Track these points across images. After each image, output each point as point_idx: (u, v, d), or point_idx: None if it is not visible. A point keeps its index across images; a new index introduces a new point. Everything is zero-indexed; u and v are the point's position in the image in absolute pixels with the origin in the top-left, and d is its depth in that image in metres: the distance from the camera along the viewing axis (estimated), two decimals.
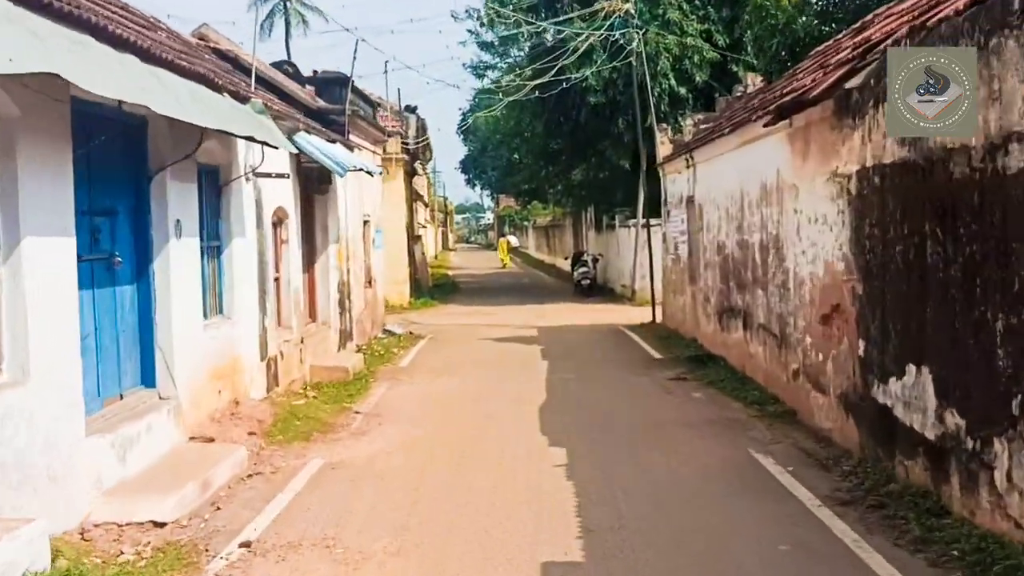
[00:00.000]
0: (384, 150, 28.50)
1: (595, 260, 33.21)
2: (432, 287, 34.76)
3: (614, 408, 11.77)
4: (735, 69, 27.49)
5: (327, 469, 8.81)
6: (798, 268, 10.54)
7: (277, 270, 12.95)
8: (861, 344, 8.53)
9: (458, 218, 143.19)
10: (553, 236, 53.75)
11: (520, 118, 34.29)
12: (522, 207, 79.02)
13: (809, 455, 9.01)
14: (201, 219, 9.90)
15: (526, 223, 74.46)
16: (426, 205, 54.67)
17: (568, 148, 31.65)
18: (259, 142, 10.52)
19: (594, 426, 10.60)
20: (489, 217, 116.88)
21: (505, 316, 25.70)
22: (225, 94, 10.11)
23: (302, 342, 13.57)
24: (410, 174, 33.53)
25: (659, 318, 22.07)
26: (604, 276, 33.88)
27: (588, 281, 31.86)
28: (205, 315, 9.91)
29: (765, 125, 10.77)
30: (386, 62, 43.38)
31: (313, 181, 15.31)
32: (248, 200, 11.24)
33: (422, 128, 42.15)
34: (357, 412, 11.63)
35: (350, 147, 17.01)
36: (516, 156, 47.93)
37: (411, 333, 21.02)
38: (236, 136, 9.90)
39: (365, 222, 19.30)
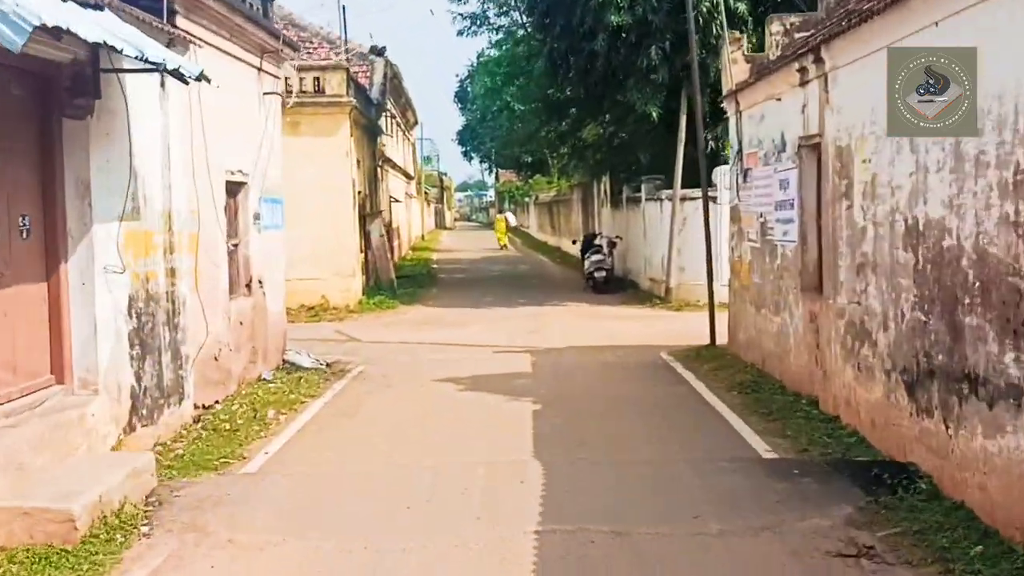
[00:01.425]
0: (319, 88, 20.43)
1: (612, 245, 25.15)
2: (400, 278, 26.71)
3: None
4: None
5: None
6: None
7: None
8: None
9: (460, 195, 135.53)
10: (557, 214, 45.47)
11: (518, 61, 25.97)
12: (523, 182, 71.07)
13: None
14: None
15: (527, 199, 66.29)
16: (409, 177, 46.51)
17: (577, 95, 23.48)
18: None
19: None
20: (492, 195, 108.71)
21: (487, 328, 17.67)
22: None
23: None
24: (368, 130, 25.41)
25: (719, 336, 14.09)
26: (623, 265, 25.85)
27: (604, 274, 23.77)
28: None
29: None
30: None
31: (52, 88, 7.25)
32: None
33: (394, 77, 33.96)
34: None
35: (176, 43, 8.86)
36: (513, 111, 39.54)
37: (327, 367, 13.01)
38: None
39: (235, 184, 11.20)
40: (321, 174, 20.51)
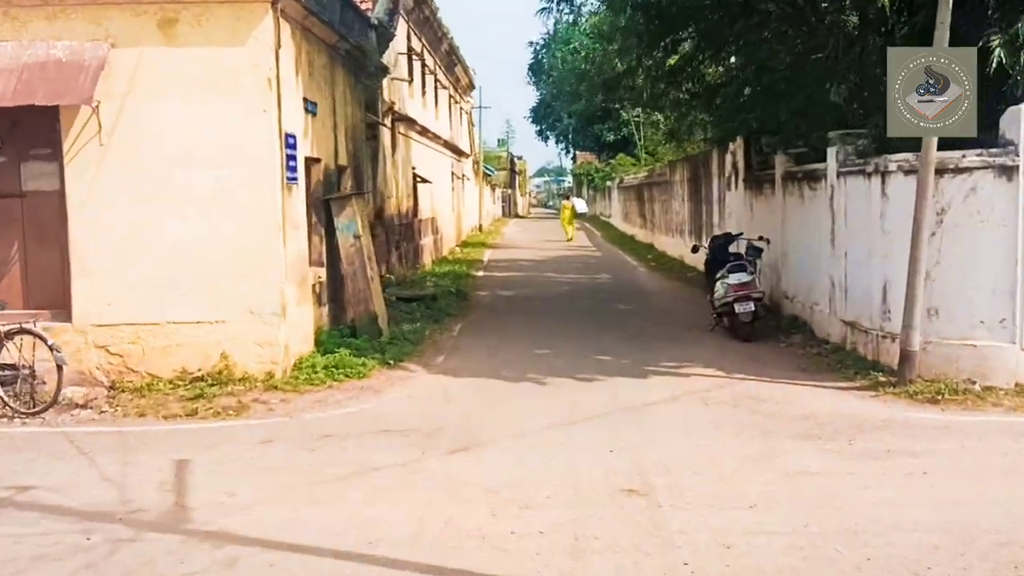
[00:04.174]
0: None
1: (755, 252, 14.67)
2: (409, 302, 16.61)
3: None
4: None
5: None
6: None
7: None
8: None
9: (539, 181, 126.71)
10: (650, 200, 34.69)
11: None
12: (604, 163, 60.62)
13: None
14: None
15: (608, 182, 55.67)
16: (461, 153, 36.40)
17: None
18: None
19: None
20: (569, 180, 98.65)
21: (521, 476, 7.28)
22: None
23: None
24: (348, 59, 15.16)
25: None
26: (772, 284, 15.42)
27: (752, 309, 13.22)
28: None
29: None
30: None
31: None
32: None
33: (423, 2, 23.74)
34: None
35: None
36: (587, 71, 28.89)
37: None
38: None
39: None
40: (219, 122, 10.55)
